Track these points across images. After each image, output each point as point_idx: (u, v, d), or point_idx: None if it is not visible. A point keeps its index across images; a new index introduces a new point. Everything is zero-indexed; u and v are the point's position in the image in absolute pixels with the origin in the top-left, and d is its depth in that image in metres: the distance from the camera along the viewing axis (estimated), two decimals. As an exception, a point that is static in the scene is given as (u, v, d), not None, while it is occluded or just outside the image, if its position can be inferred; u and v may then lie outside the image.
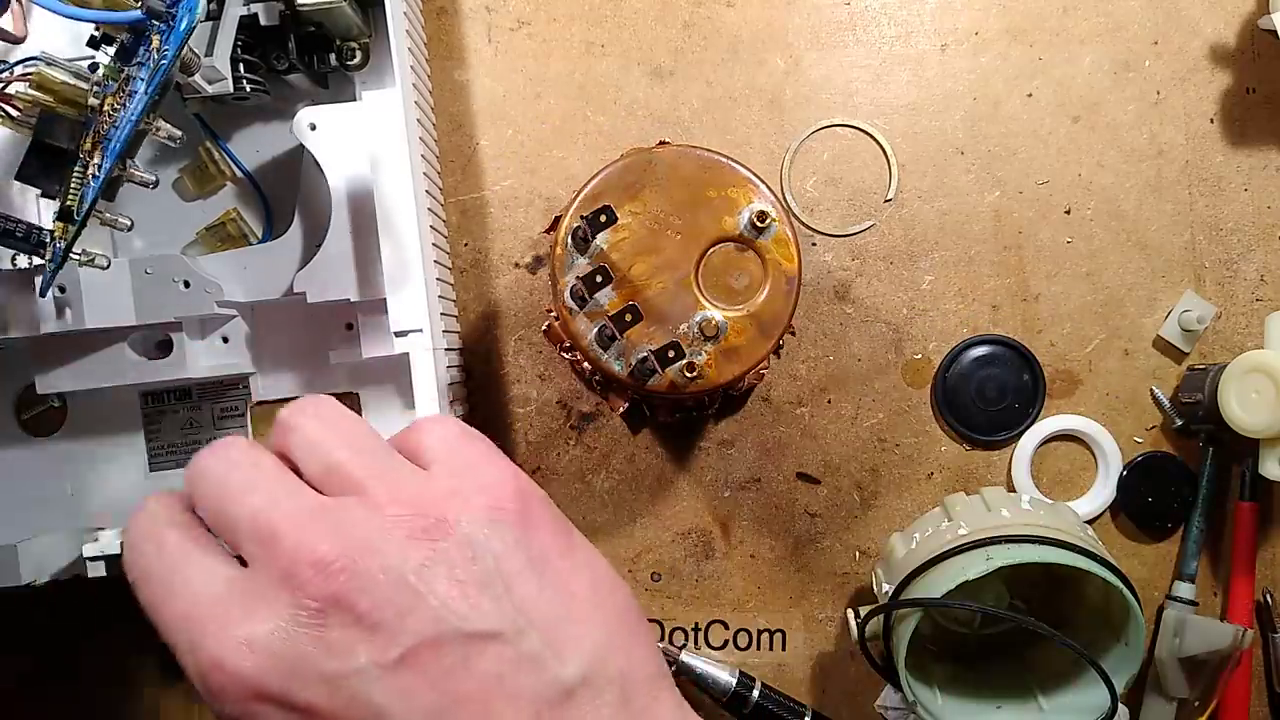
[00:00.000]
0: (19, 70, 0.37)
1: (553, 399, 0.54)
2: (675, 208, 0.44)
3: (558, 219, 0.46)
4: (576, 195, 0.45)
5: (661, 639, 0.54)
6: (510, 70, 0.54)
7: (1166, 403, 0.53)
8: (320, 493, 0.29)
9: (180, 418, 0.50)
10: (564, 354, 0.52)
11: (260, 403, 0.50)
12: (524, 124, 0.54)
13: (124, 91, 0.37)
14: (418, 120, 0.46)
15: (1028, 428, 0.53)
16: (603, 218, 0.43)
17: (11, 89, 0.38)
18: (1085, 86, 0.53)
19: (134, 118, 0.36)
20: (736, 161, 0.45)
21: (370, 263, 0.44)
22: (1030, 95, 0.53)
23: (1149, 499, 0.53)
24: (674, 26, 0.54)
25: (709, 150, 0.45)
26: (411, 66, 0.47)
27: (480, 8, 0.54)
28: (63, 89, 0.38)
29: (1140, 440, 0.54)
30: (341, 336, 0.49)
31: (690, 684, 0.51)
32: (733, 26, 0.54)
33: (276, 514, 0.27)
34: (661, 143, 0.46)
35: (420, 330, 0.43)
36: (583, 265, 0.44)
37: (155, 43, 0.36)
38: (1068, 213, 0.53)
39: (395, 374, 0.49)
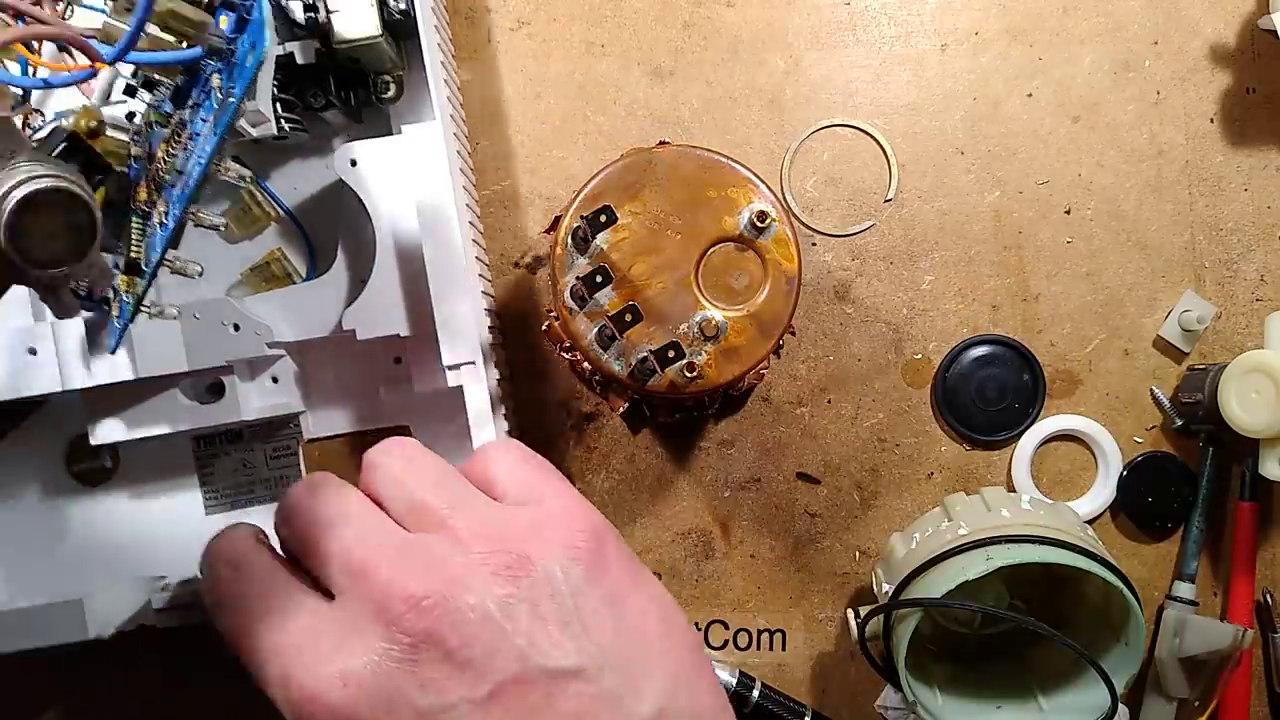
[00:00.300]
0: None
1: (553, 399, 0.54)
2: (675, 208, 0.44)
3: (558, 219, 0.46)
4: (576, 195, 0.45)
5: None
6: (510, 70, 0.54)
7: (1166, 403, 0.53)
8: (405, 529, 0.29)
9: (233, 460, 0.50)
10: (564, 354, 0.52)
11: (311, 440, 0.50)
12: (524, 124, 0.54)
13: (180, 136, 0.35)
14: (457, 152, 0.46)
15: (1028, 428, 0.53)
16: (603, 218, 0.43)
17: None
18: (1085, 86, 0.53)
19: (203, 161, 0.34)
20: (736, 161, 0.45)
21: (418, 296, 0.43)
22: (1030, 95, 0.53)
23: (1149, 499, 0.53)
24: (674, 26, 0.54)
25: (709, 150, 0.45)
26: (448, 98, 0.46)
27: (480, 8, 0.54)
28: (103, 141, 0.37)
29: (1140, 440, 0.54)
30: (391, 370, 0.48)
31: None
32: (733, 26, 0.54)
33: (367, 548, 0.28)
34: (661, 143, 0.46)
35: (473, 363, 0.42)
36: (583, 265, 0.44)
37: (216, 82, 0.34)
38: (1068, 213, 0.53)
39: (446, 404, 0.48)
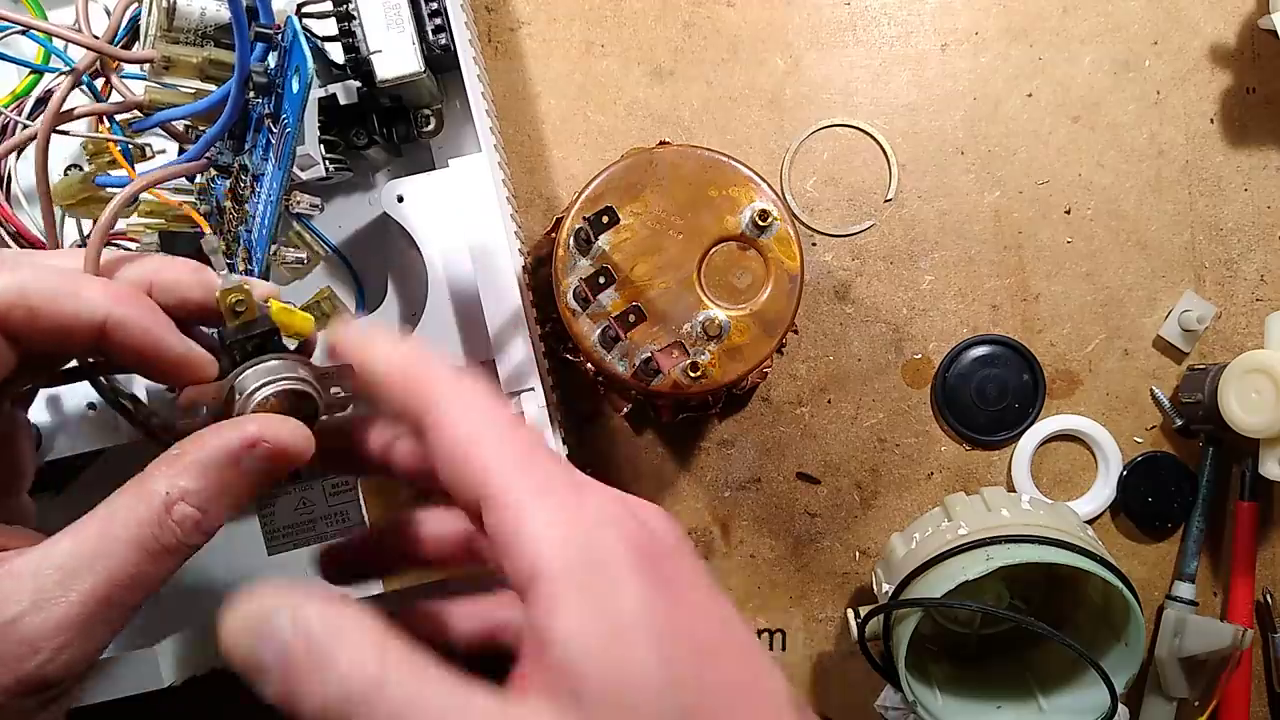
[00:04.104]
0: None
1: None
2: (677, 207, 0.44)
3: (559, 220, 0.46)
4: (578, 196, 0.45)
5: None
6: (510, 70, 0.54)
7: (1166, 403, 0.53)
8: None
9: (292, 498, 0.50)
10: (566, 355, 0.52)
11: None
12: (524, 124, 0.54)
13: (244, 181, 0.36)
14: (502, 181, 0.46)
15: (1028, 428, 0.53)
16: (605, 219, 0.43)
17: (121, 224, 0.37)
18: (1085, 86, 0.53)
19: (274, 198, 0.34)
20: (738, 160, 0.45)
21: (472, 325, 0.43)
22: (1030, 95, 0.53)
23: (1149, 499, 0.53)
24: (674, 26, 0.54)
25: (710, 150, 0.45)
26: (490, 129, 0.46)
27: (480, 8, 0.54)
28: (170, 207, 0.37)
29: (1140, 440, 0.54)
30: None
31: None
32: (733, 26, 0.54)
33: None
34: (662, 143, 0.46)
35: (532, 389, 0.42)
36: (585, 267, 0.44)
37: (268, 122, 0.35)
38: (1068, 213, 0.53)
39: None
